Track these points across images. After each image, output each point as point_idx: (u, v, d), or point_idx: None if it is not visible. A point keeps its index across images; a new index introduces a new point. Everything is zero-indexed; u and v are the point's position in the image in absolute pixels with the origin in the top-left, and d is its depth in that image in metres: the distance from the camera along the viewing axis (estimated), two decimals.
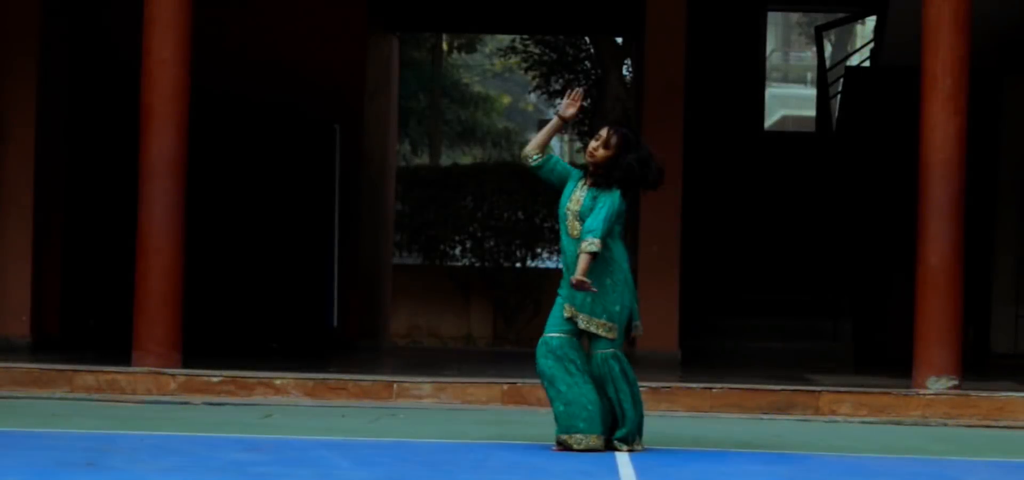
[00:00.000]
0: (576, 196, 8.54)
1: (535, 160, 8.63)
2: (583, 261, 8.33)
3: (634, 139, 8.54)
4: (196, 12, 12.29)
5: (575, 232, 8.48)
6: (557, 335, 8.54)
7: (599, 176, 8.50)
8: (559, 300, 8.58)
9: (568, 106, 8.59)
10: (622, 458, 8.38)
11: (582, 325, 8.48)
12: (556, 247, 23.79)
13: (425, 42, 30.64)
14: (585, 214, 8.45)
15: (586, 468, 7.90)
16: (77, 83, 15.60)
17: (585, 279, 8.31)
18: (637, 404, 8.66)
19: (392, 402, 11.58)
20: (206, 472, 7.33)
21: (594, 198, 8.46)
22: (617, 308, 8.49)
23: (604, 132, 8.51)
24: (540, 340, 8.60)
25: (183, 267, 12.11)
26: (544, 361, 8.53)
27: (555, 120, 8.66)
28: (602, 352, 8.52)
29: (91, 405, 11.10)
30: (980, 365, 16.11)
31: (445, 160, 32.31)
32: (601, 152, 8.48)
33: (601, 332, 8.48)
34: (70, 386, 11.64)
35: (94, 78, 15.81)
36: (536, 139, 8.66)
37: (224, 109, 15.62)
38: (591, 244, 8.33)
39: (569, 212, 8.53)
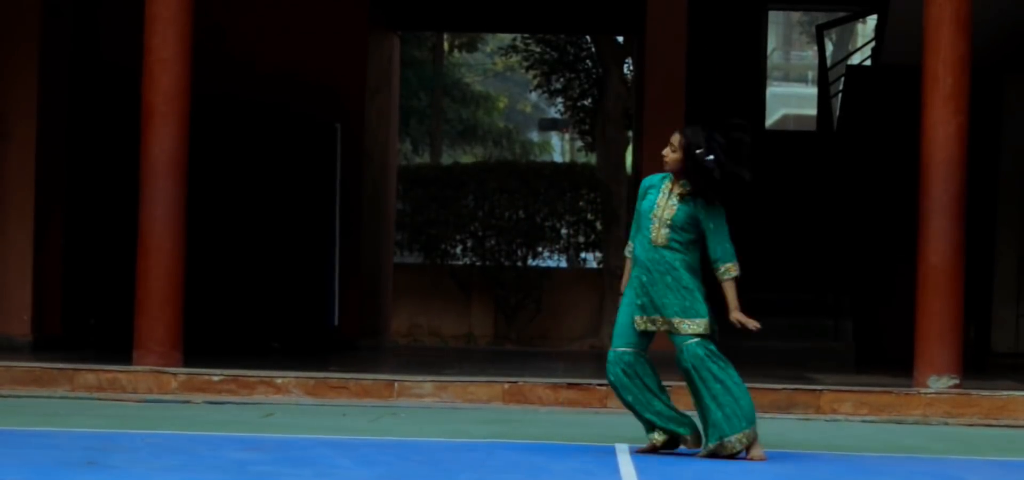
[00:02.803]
0: (666, 202, 8.42)
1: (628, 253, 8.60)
2: (731, 291, 8.38)
3: (701, 134, 8.41)
4: (197, 12, 12.30)
5: (661, 240, 8.40)
6: (628, 350, 8.47)
7: (685, 182, 8.41)
8: (627, 309, 8.46)
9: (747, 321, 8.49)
10: (623, 458, 8.37)
11: (672, 327, 8.37)
12: (556, 246, 23.79)
13: (426, 41, 30.65)
14: (679, 224, 8.37)
15: (587, 467, 7.89)
16: (78, 82, 15.60)
17: (746, 319, 8.38)
18: (724, 403, 8.44)
19: (393, 401, 11.58)
20: (207, 471, 7.33)
21: (691, 213, 8.39)
22: (705, 307, 8.41)
23: (674, 138, 8.40)
24: (611, 352, 8.50)
25: (184, 266, 12.11)
26: (616, 373, 8.47)
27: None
28: (690, 342, 8.38)
29: (92, 404, 11.11)
30: (981, 364, 16.12)
31: (446, 159, 32.31)
32: (670, 156, 8.41)
33: (693, 330, 8.37)
34: (71, 385, 11.64)
35: (95, 77, 15.81)
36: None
37: (225, 108, 15.63)
38: (731, 269, 8.40)
39: (655, 218, 8.40)
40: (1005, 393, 11.60)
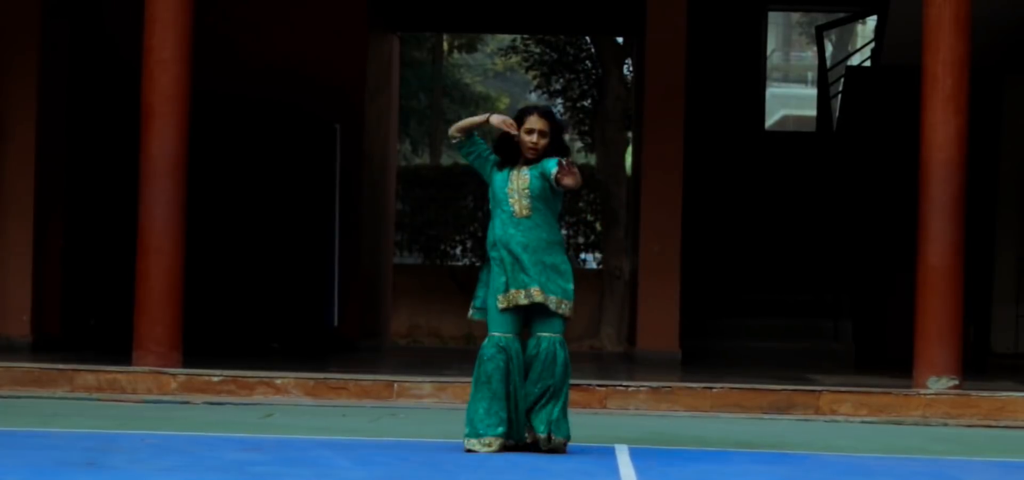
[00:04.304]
0: (519, 176, 8.42)
1: (455, 141, 8.61)
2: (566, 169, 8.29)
3: (557, 117, 8.60)
4: (197, 12, 12.30)
5: (525, 212, 8.40)
6: (509, 336, 8.40)
7: (534, 159, 8.44)
8: (493, 293, 8.42)
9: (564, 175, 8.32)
10: (622, 458, 8.36)
11: (539, 299, 8.34)
12: None
13: (426, 41, 30.65)
14: (536, 192, 8.38)
15: (587, 468, 7.89)
16: (77, 83, 15.60)
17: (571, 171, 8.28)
18: (564, 399, 8.44)
19: (392, 402, 11.58)
20: (206, 472, 7.33)
21: (541, 173, 8.39)
22: (572, 286, 8.46)
23: (538, 122, 8.42)
24: (489, 341, 8.40)
25: (184, 267, 12.11)
26: (492, 364, 8.38)
27: (483, 119, 8.62)
28: (550, 336, 8.41)
29: (92, 405, 11.10)
30: (980, 365, 16.12)
31: (446, 160, 32.32)
32: (544, 142, 8.40)
33: (562, 310, 8.40)
34: (71, 386, 11.64)
35: (94, 78, 15.82)
36: (463, 123, 8.57)
37: (225, 109, 15.62)
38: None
39: (516, 193, 8.39)
40: (1005, 394, 11.60)
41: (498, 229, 8.44)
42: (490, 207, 8.58)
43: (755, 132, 19.83)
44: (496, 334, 8.40)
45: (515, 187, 8.42)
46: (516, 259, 8.37)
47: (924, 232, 11.93)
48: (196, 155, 12.48)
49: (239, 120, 15.85)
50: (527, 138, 8.42)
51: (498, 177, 8.50)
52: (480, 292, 8.55)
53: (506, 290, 8.38)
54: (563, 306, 8.39)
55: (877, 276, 17.59)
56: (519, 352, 8.40)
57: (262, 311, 15.90)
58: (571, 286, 8.44)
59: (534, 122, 8.44)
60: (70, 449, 8.19)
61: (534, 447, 8.37)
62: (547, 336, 8.40)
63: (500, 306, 8.40)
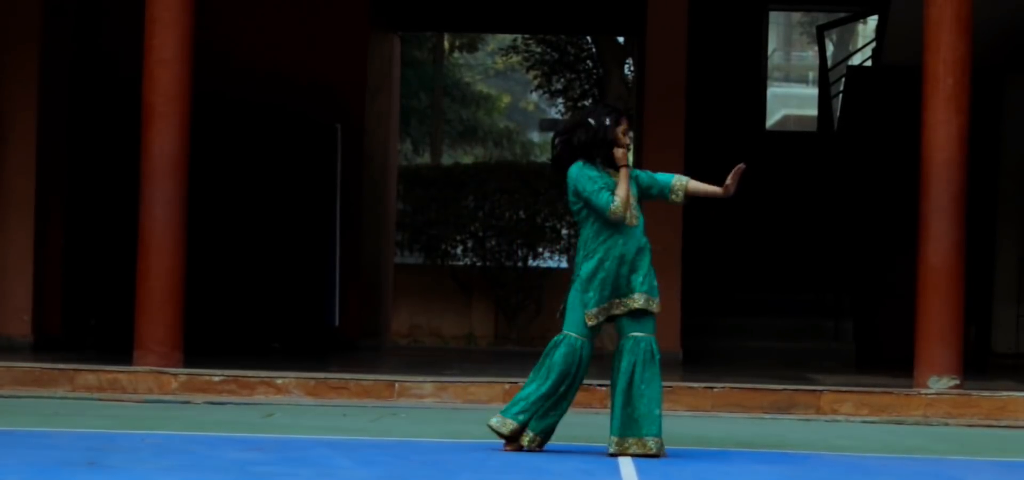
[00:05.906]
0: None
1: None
2: (699, 185, 8.58)
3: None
4: (197, 13, 12.30)
5: (634, 221, 8.48)
6: (585, 338, 8.43)
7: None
8: (586, 299, 8.43)
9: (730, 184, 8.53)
10: (623, 458, 8.36)
11: (640, 304, 8.35)
12: (557, 246, 23.77)
13: (426, 41, 30.65)
14: (636, 201, 8.52)
15: (587, 467, 7.89)
16: (78, 83, 15.61)
17: (733, 176, 8.45)
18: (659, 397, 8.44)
19: (393, 401, 11.58)
20: (207, 471, 7.34)
21: (638, 178, 8.59)
22: (656, 282, 8.52)
23: (626, 122, 8.59)
24: (569, 338, 8.42)
25: (184, 267, 12.11)
26: (566, 361, 8.40)
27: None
28: (647, 336, 8.38)
29: (92, 404, 11.11)
30: (981, 364, 16.12)
31: (446, 159, 32.32)
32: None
33: (652, 308, 8.41)
34: (71, 385, 11.65)
35: (95, 78, 15.82)
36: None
37: (225, 109, 15.62)
38: (682, 178, 8.58)
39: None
40: (1005, 394, 11.60)
41: (618, 242, 8.40)
42: (591, 218, 8.46)
43: (756, 132, 19.83)
44: (572, 334, 8.40)
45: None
46: (631, 271, 8.40)
47: (925, 232, 11.93)
48: (197, 155, 12.48)
49: (240, 121, 15.86)
50: (626, 140, 8.56)
51: (600, 184, 8.49)
52: (591, 295, 8.40)
53: (606, 303, 8.38)
54: (653, 304, 8.42)
55: (878, 276, 17.59)
56: (590, 356, 8.45)
57: (263, 311, 15.91)
58: (656, 281, 8.52)
59: (626, 128, 8.57)
60: (70, 449, 8.20)
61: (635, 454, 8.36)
62: (644, 336, 8.38)
63: (592, 322, 8.39)
